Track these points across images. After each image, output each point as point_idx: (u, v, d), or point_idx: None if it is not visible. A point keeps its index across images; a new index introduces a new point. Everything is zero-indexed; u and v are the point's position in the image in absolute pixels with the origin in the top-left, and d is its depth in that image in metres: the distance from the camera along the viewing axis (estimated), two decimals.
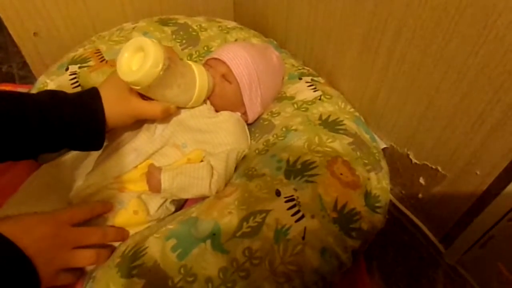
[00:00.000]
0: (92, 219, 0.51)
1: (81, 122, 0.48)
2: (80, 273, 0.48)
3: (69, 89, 0.69)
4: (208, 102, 0.63)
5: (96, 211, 0.51)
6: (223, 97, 0.63)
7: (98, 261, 0.47)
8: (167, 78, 0.51)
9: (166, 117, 0.57)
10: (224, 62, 0.62)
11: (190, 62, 0.59)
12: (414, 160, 0.69)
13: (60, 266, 0.43)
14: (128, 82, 0.49)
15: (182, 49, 0.79)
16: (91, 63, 0.72)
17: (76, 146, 0.50)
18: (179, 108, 0.59)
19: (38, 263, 0.39)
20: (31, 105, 0.46)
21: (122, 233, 0.52)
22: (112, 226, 0.52)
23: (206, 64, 0.65)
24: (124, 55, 0.50)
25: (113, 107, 0.50)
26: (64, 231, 0.44)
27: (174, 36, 0.79)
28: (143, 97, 0.53)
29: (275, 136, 0.63)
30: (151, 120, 0.60)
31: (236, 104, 0.64)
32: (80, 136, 0.49)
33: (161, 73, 0.49)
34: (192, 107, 0.60)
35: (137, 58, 0.50)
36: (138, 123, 0.61)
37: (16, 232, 0.38)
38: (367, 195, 0.54)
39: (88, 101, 0.49)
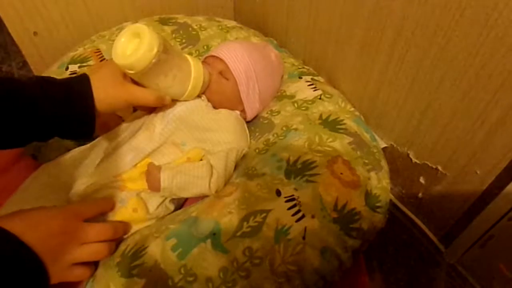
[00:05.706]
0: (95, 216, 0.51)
1: (69, 105, 0.47)
2: (94, 266, 0.48)
3: None
4: (205, 98, 0.62)
5: (102, 208, 0.51)
6: (220, 94, 0.63)
7: (109, 254, 0.47)
8: (162, 65, 0.51)
9: (160, 105, 0.56)
10: (221, 59, 0.62)
11: (185, 54, 0.58)
12: (414, 160, 0.69)
13: (71, 261, 0.42)
14: (122, 66, 0.49)
15: (182, 48, 0.79)
16: (91, 62, 0.72)
17: (66, 132, 0.49)
18: (174, 101, 0.59)
19: (47, 260, 0.38)
20: (19, 89, 0.45)
21: (129, 229, 0.52)
22: (120, 222, 0.52)
23: (204, 62, 0.65)
24: (120, 40, 0.50)
25: (105, 89, 0.50)
26: (74, 227, 0.43)
27: (174, 35, 0.79)
28: (138, 85, 0.53)
29: (275, 135, 0.63)
30: (150, 118, 0.59)
31: (234, 101, 0.64)
32: (69, 120, 0.48)
33: (154, 59, 0.49)
34: (187, 100, 0.60)
35: (133, 44, 0.50)
36: (137, 123, 0.61)
37: (23, 229, 0.37)
38: (368, 194, 0.54)
39: (76, 84, 0.48)
